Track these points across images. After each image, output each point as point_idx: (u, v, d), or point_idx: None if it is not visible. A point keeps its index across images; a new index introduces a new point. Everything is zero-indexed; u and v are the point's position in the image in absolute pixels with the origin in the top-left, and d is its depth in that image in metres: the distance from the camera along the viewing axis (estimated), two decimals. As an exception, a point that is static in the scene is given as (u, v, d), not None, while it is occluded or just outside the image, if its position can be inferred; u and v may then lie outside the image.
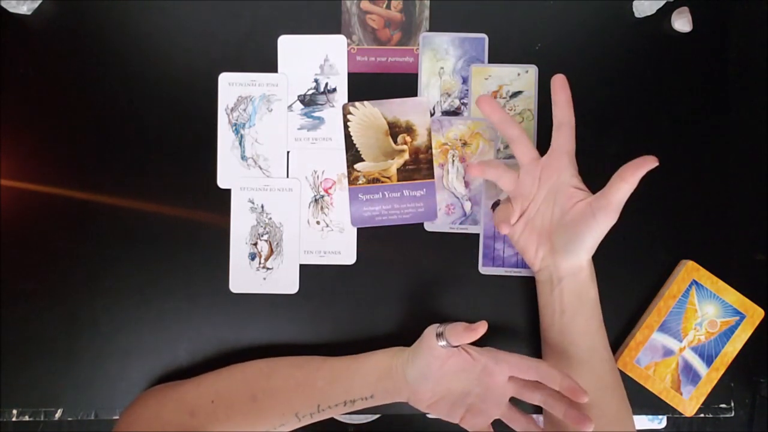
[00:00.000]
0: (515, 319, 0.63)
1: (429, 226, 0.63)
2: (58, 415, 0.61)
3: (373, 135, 0.62)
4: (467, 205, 0.63)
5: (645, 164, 0.51)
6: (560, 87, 0.56)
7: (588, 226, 0.53)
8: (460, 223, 0.63)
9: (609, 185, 0.52)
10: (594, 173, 0.63)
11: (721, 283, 0.61)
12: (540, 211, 0.57)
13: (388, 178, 0.62)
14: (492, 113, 0.57)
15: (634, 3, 0.64)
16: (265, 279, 0.62)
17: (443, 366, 0.53)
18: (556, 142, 0.57)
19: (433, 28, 0.63)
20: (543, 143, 0.63)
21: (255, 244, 0.62)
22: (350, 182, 0.62)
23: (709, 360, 0.61)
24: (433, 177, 0.62)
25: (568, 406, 0.51)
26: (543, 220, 0.57)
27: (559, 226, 0.56)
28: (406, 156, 0.62)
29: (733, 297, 0.61)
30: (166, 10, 0.63)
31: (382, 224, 0.62)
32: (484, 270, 0.63)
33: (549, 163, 0.56)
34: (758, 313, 0.61)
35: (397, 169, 0.62)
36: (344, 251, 0.62)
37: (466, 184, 0.63)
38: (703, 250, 0.63)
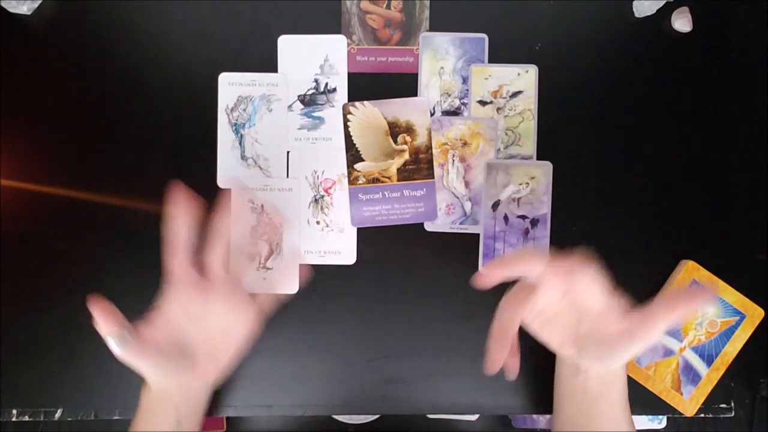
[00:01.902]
0: (515, 319, 0.63)
1: (429, 226, 0.63)
2: (58, 415, 0.61)
3: (373, 135, 0.62)
4: (467, 205, 0.63)
5: (699, 297, 0.47)
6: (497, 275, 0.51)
7: (624, 348, 0.49)
8: (461, 223, 0.63)
9: (653, 314, 0.48)
10: (594, 173, 0.63)
11: (721, 282, 0.61)
12: (562, 314, 0.52)
13: (388, 178, 0.62)
14: (497, 278, 0.52)
15: (634, 3, 0.64)
16: (264, 279, 0.62)
17: None
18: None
19: (433, 28, 0.63)
20: (542, 143, 0.63)
21: (255, 244, 0.62)
22: (350, 182, 0.62)
23: (709, 360, 0.61)
24: (433, 177, 0.62)
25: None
26: (569, 325, 0.52)
27: (587, 339, 0.51)
28: (406, 156, 0.62)
29: (734, 297, 0.61)
30: (166, 10, 0.63)
31: (382, 224, 0.62)
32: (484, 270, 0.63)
33: (570, 279, 0.50)
34: (758, 312, 0.61)
35: (397, 169, 0.62)
36: (344, 251, 0.62)
37: (467, 184, 0.63)
38: (703, 250, 0.63)
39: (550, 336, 0.53)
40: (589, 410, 0.52)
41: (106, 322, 0.49)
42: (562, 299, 0.52)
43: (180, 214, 0.53)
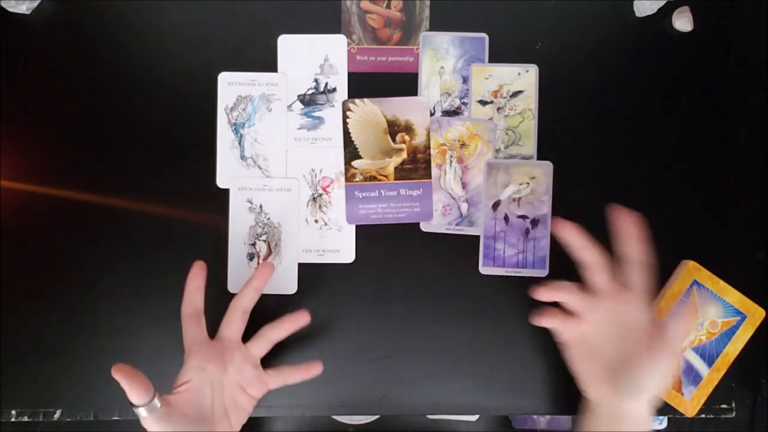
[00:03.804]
0: (515, 319, 0.63)
1: (425, 227, 0.63)
2: (57, 415, 0.61)
3: (371, 132, 0.62)
4: (464, 207, 0.63)
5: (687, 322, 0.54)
6: (631, 223, 0.54)
7: (650, 368, 0.52)
8: (456, 224, 0.63)
9: (666, 329, 0.53)
10: (594, 173, 0.63)
11: (722, 283, 0.61)
12: (606, 342, 0.55)
13: (385, 176, 0.62)
14: (569, 237, 0.56)
15: (635, 2, 0.63)
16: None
17: None
18: (629, 281, 0.55)
19: (433, 28, 0.63)
20: (543, 143, 0.63)
21: (253, 245, 0.62)
22: (347, 179, 0.62)
23: (710, 360, 0.61)
24: (430, 177, 0.62)
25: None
26: (609, 354, 0.54)
27: (621, 368, 0.53)
28: (404, 155, 0.62)
29: (734, 297, 0.61)
30: (166, 9, 0.63)
31: (378, 222, 0.62)
32: (484, 270, 0.63)
33: (621, 301, 0.55)
34: (759, 313, 0.61)
35: (395, 168, 0.62)
36: (343, 249, 0.62)
37: (464, 186, 0.63)
38: (703, 250, 0.63)
39: (586, 369, 0.56)
40: None
41: (135, 391, 0.48)
42: (609, 327, 0.54)
43: (197, 286, 0.56)
